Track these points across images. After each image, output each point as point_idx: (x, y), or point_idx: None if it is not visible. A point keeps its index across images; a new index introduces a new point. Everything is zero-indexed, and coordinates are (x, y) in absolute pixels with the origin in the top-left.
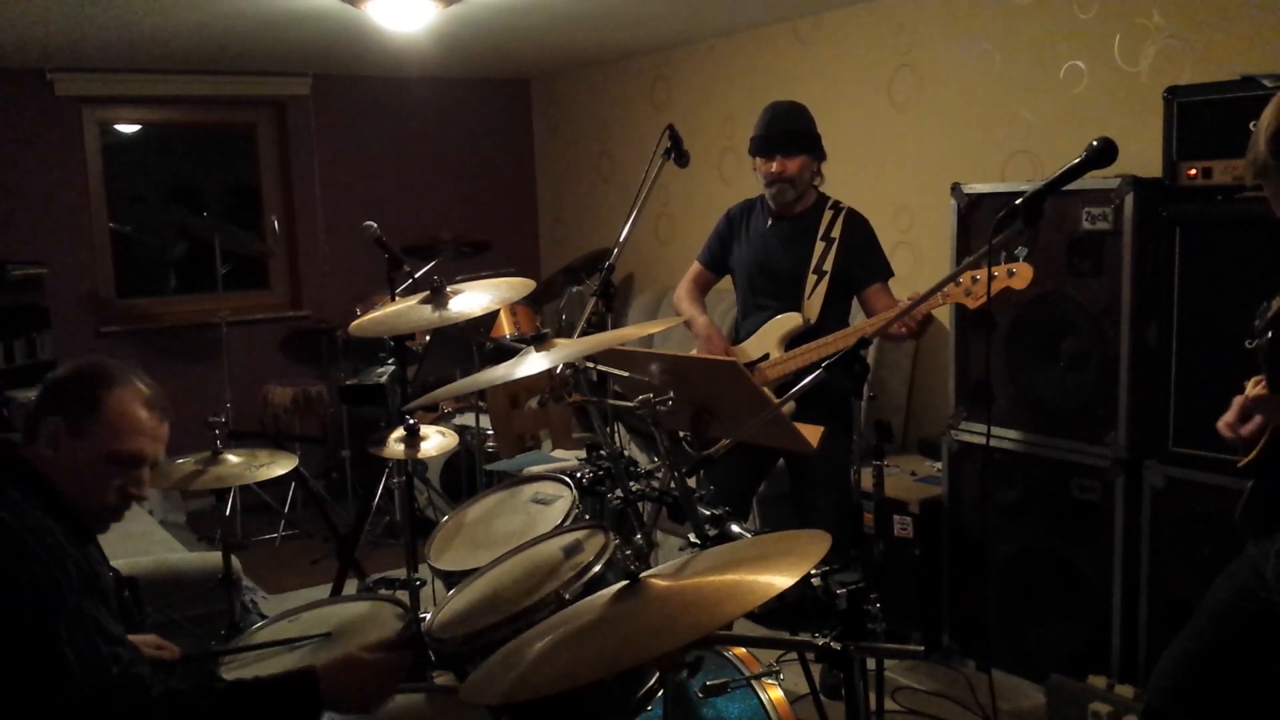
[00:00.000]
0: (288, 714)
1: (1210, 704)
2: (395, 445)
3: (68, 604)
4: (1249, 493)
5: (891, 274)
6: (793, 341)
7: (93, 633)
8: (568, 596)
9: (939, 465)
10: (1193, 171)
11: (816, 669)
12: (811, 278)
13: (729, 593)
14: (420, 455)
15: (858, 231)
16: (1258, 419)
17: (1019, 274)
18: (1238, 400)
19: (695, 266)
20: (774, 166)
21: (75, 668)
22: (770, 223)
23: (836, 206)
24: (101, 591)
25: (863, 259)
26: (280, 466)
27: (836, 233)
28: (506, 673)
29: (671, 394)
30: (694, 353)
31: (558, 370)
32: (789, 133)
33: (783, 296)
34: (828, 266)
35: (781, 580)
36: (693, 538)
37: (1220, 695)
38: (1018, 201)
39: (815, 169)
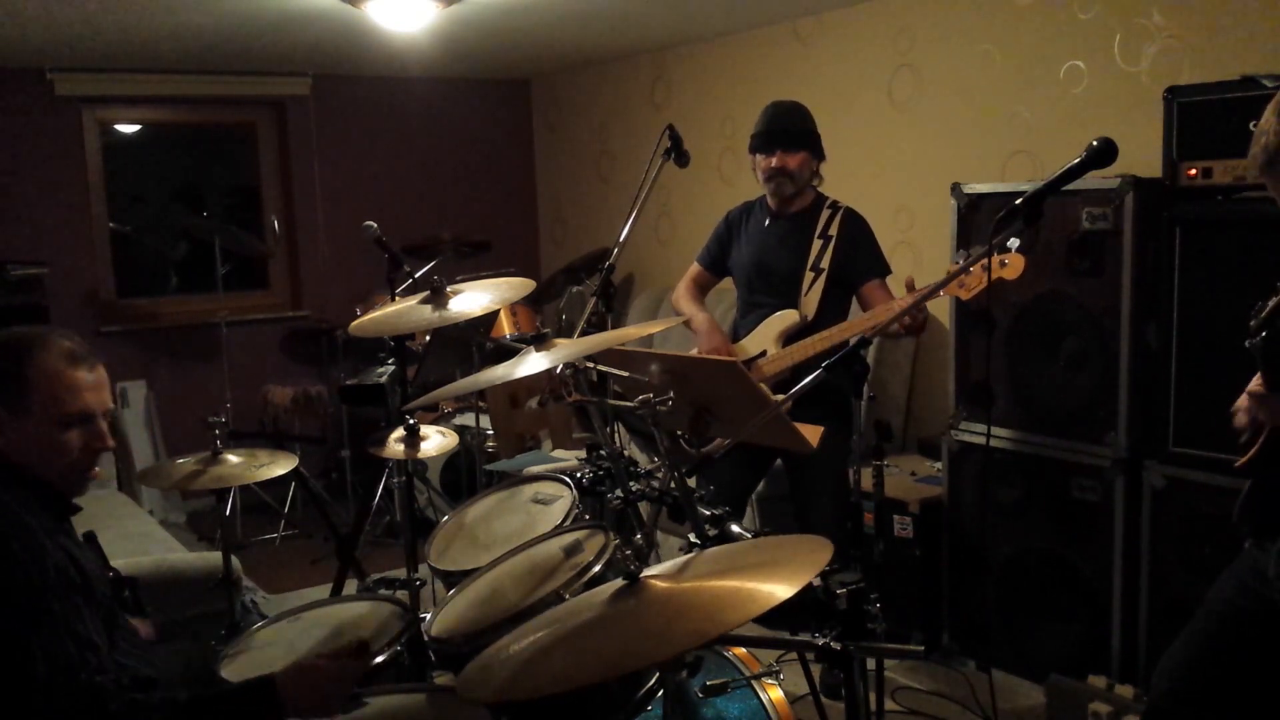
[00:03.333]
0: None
1: (1212, 704)
2: (395, 445)
3: (44, 607)
4: (1247, 492)
5: (889, 271)
6: (790, 338)
7: (66, 639)
8: (567, 597)
9: (939, 465)
10: (1193, 171)
11: (816, 669)
12: (809, 275)
13: (730, 599)
14: (420, 455)
15: (855, 229)
16: None
17: (1011, 264)
18: (1247, 392)
19: (694, 267)
20: (774, 161)
21: (42, 673)
22: (768, 222)
23: (834, 206)
24: (83, 585)
25: (860, 256)
26: (280, 466)
27: (834, 231)
28: (503, 669)
29: (671, 394)
30: (695, 350)
31: (558, 370)
32: (790, 129)
33: (780, 294)
34: (825, 264)
35: (783, 589)
36: (693, 538)
37: (1222, 695)
38: (1018, 201)
39: (814, 168)
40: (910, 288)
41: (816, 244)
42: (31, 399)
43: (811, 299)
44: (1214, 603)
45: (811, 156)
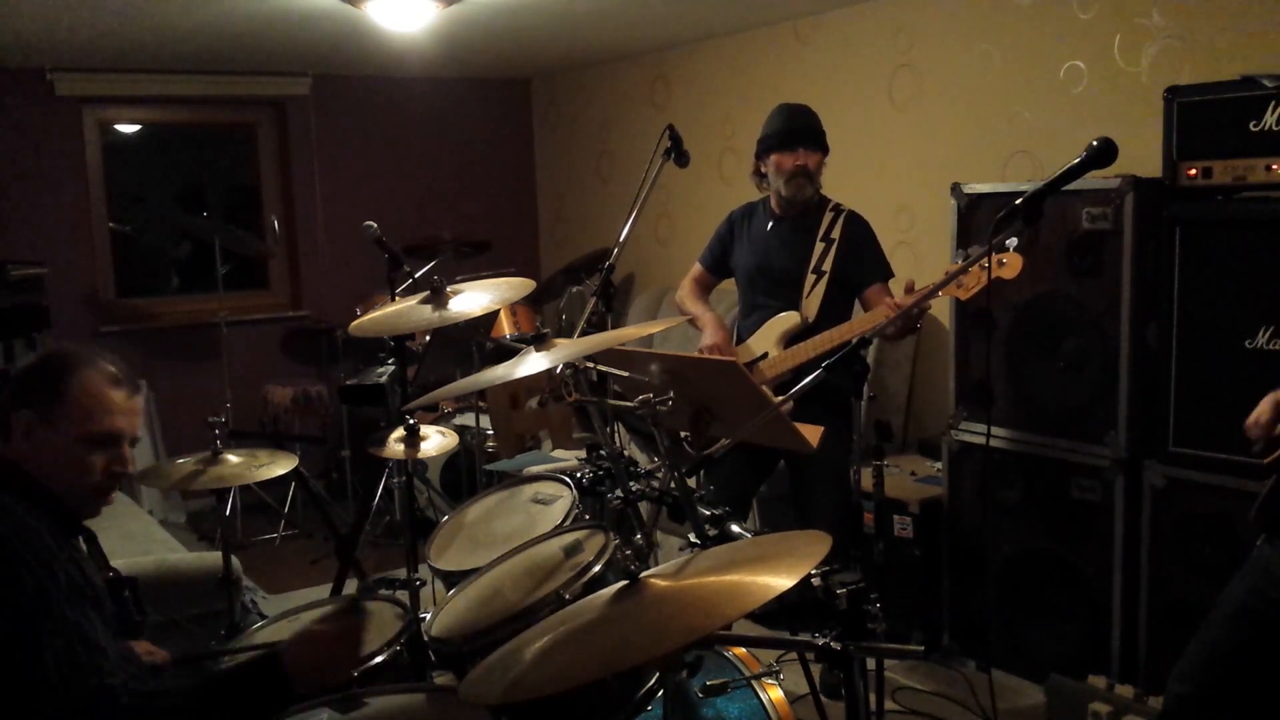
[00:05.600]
0: (258, 698)
1: (1226, 706)
2: (395, 445)
3: (54, 612)
4: (1269, 490)
5: (891, 274)
6: (792, 340)
7: (75, 642)
8: (568, 596)
9: (939, 465)
10: (1193, 171)
11: (816, 669)
12: (810, 277)
13: (729, 594)
14: (420, 455)
15: (858, 232)
16: None
17: (1009, 264)
18: (1270, 397)
19: (696, 268)
20: (799, 158)
21: (54, 677)
22: (771, 224)
23: (837, 208)
24: (91, 595)
25: (862, 259)
26: (280, 466)
27: (836, 234)
28: (505, 672)
29: (671, 394)
30: (700, 345)
31: (558, 370)
32: (811, 128)
33: (782, 296)
34: (827, 266)
35: (781, 582)
36: (693, 538)
37: (1235, 697)
38: (1018, 201)
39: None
40: (910, 290)
41: (819, 247)
42: (64, 411)
43: (812, 301)
44: (1225, 605)
45: (824, 158)
